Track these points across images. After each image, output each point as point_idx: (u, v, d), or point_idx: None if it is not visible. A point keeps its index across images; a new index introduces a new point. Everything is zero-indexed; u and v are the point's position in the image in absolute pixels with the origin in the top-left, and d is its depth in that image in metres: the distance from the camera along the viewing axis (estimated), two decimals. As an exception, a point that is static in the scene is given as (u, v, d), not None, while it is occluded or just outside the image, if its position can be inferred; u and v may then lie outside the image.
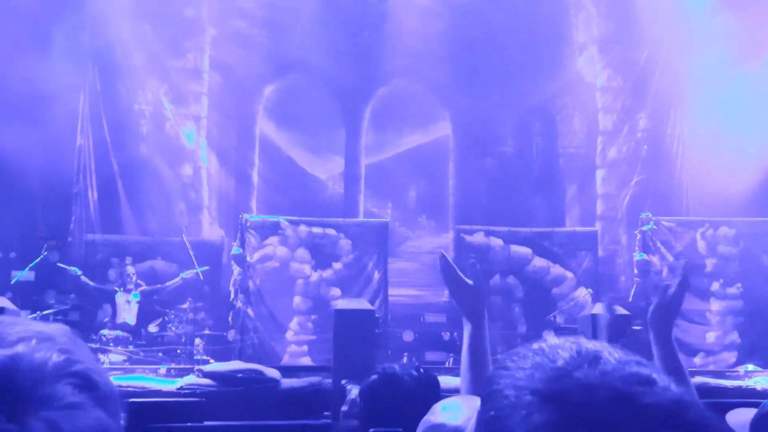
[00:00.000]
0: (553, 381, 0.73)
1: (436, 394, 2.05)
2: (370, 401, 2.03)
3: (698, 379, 8.18)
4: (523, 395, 0.74)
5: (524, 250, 11.55)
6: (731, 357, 10.89)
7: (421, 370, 2.10)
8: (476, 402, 1.29)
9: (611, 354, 0.77)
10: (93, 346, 9.10)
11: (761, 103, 11.59)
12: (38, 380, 0.68)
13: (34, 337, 0.72)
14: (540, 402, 0.73)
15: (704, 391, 7.84)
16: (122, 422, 0.75)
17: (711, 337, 11.15)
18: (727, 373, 8.90)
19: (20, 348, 0.70)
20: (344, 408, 2.75)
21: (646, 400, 0.72)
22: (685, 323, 11.13)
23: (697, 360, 10.95)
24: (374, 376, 2.10)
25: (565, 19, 13.59)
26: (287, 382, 7.71)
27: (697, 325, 11.14)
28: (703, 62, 12.33)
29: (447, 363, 10.49)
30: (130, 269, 10.25)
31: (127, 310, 9.81)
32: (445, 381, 7.81)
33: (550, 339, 0.82)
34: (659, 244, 11.35)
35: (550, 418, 0.71)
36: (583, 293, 11.20)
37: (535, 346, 0.80)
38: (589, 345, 0.79)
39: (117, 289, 10.07)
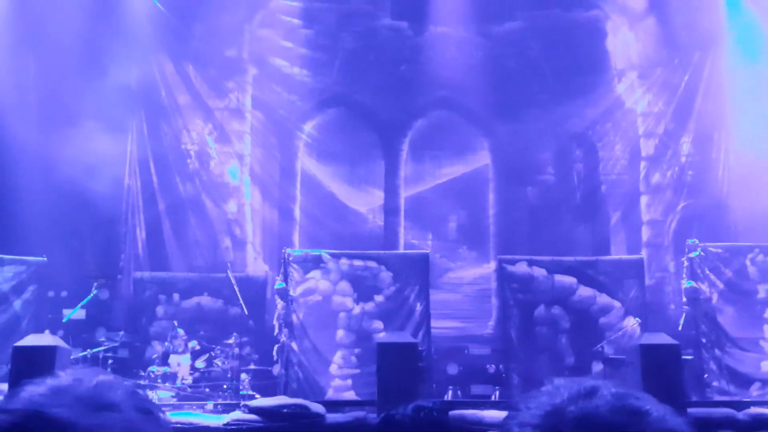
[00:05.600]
0: (549, 416, 0.83)
1: None
2: None
3: (755, 410, 7.93)
4: (525, 431, 0.83)
5: (569, 280, 11.39)
6: (789, 387, 10.50)
7: (423, 411, 2.17)
8: None
9: (608, 388, 0.85)
10: (142, 382, 9.26)
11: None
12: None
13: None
14: None
15: (762, 421, 7.59)
16: None
17: (767, 366, 10.78)
18: (785, 404, 8.57)
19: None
20: None
21: (637, 430, 0.78)
22: (739, 352, 10.80)
23: (754, 390, 10.58)
24: (377, 420, 2.18)
25: (603, 46, 13.55)
26: (332, 417, 7.71)
27: (751, 354, 10.79)
28: (745, 83, 12.12)
29: (493, 396, 10.36)
30: (180, 332, 10.19)
31: (180, 370, 9.77)
32: (491, 414, 7.69)
33: (558, 380, 0.89)
34: (708, 271, 11.08)
35: None
36: (631, 322, 10.97)
37: (545, 388, 0.89)
38: (590, 382, 0.87)
39: (170, 353, 10.05)
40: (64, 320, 10.25)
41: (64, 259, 10.98)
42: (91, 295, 10.45)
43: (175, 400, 9.09)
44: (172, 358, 9.88)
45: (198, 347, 10.08)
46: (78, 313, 10.41)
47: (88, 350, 9.59)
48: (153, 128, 12.55)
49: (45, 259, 10.64)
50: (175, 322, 10.37)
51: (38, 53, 11.49)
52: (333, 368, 10.89)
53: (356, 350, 10.92)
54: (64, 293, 10.98)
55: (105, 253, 11.74)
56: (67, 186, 10.80)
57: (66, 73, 11.31)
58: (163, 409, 1.00)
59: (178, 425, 7.36)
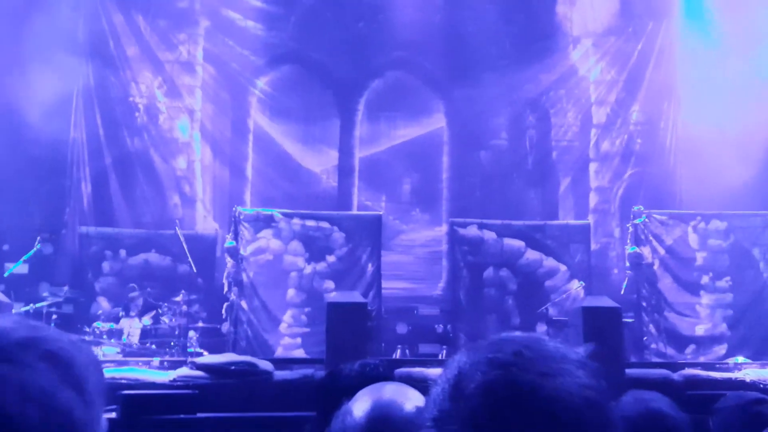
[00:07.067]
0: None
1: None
2: (320, 396, 2.19)
3: (689, 371, 8.28)
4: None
5: (517, 243, 11.60)
6: (721, 349, 10.98)
7: (368, 368, 2.24)
8: (381, 390, 1.40)
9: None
10: (86, 338, 9.12)
11: (754, 95, 11.60)
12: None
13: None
14: None
15: (695, 382, 7.93)
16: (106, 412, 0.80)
17: (701, 329, 11.23)
18: (717, 365, 8.97)
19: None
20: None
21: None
22: (675, 315, 11.22)
23: (688, 352, 11.04)
24: (323, 375, 2.23)
25: (560, 12, 13.60)
26: (280, 375, 7.75)
27: (687, 318, 11.22)
28: (696, 54, 12.35)
29: (440, 355, 10.56)
30: (135, 294, 9.97)
31: (132, 333, 9.62)
32: (436, 372, 7.86)
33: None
34: (651, 237, 11.41)
35: None
36: (575, 286, 11.27)
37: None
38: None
39: (122, 314, 9.85)
40: (5, 274, 9.99)
41: (6, 212, 10.65)
42: (35, 249, 10.18)
43: (120, 356, 9.00)
44: (124, 321, 9.74)
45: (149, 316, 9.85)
46: (20, 268, 10.15)
47: (31, 305, 9.38)
48: (100, 80, 12.14)
49: (-15, 212, 10.30)
50: (134, 290, 10.09)
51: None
52: (283, 327, 10.92)
53: (307, 309, 10.96)
54: (5, 247, 10.70)
55: (49, 207, 11.41)
56: (9, 137, 10.42)
57: (9, 21, 10.81)
58: (96, 355, 0.87)
59: (124, 381, 7.30)
